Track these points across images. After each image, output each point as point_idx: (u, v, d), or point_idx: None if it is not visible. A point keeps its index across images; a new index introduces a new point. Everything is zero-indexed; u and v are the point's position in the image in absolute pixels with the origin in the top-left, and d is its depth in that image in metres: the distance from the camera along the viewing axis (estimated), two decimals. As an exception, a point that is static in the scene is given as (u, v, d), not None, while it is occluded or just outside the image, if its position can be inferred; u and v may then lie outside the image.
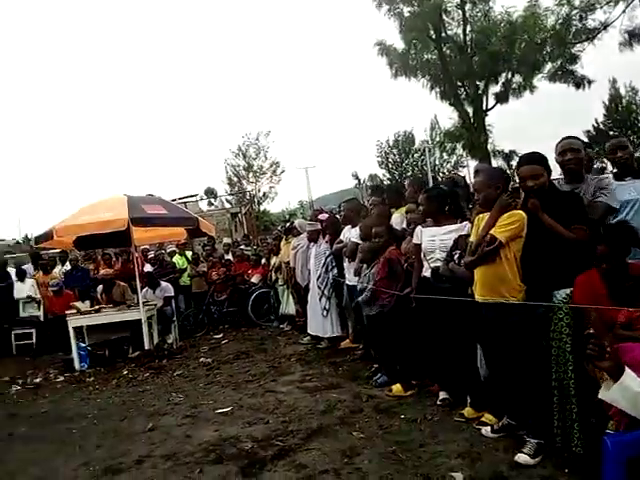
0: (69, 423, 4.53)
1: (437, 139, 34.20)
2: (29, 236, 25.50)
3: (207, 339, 8.14)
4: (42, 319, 8.77)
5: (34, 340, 8.37)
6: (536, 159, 2.99)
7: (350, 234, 5.38)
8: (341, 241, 5.64)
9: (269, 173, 37.87)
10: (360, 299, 4.58)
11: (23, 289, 9.09)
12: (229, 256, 10.21)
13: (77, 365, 6.69)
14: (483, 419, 3.40)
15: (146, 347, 6.89)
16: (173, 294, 8.24)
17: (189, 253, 10.19)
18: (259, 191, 37.47)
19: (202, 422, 4.16)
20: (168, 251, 10.23)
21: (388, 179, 35.32)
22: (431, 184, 7.09)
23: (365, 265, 4.64)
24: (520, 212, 2.94)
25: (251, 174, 37.56)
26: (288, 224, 8.65)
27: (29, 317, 8.90)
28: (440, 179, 20.71)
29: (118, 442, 3.91)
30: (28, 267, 9.88)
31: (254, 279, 9.04)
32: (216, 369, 5.99)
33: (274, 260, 8.35)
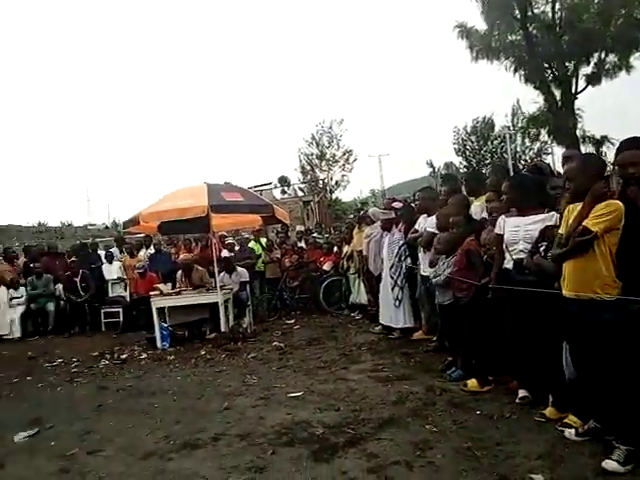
0: (151, 398, 4.78)
1: (519, 125, 32.45)
2: (117, 221, 27.23)
3: (279, 324, 8.30)
4: (128, 299, 9.37)
5: (121, 318, 8.94)
6: (638, 144, 2.74)
7: (426, 223, 5.23)
8: (416, 230, 5.50)
9: (342, 161, 37.95)
10: (434, 281, 4.44)
11: (112, 270, 9.76)
12: (302, 243, 10.35)
13: (159, 344, 7.05)
14: (566, 420, 3.21)
15: (222, 329, 7.14)
16: (248, 279, 8.46)
17: (264, 240, 10.43)
18: (331, 179, 37.61)
19: (275, 405, 4.25)
20: (236, 238, 10.54)
21: (465, 167, 34.18)
22: (513, 172, 6.71)
23: (441, 256, 4.51)
24: (617, 202, 2.71)
25: (324, 162, 37.79)
26: (362, 212, 8.59)
27: (117, 297, 9.54)
28: (521, 167, 19.69)
29: (195, 419, 4.07)
30: (115, 250, 10.59)
31: (326, 267, 9.10)
32: (288, 354, 6.09)
33: (346, 248, 8.35)
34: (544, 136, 29.61)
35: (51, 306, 8.96)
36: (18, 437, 4.03)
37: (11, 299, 8.84)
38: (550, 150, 30.43)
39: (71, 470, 3.31)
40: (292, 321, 8.41)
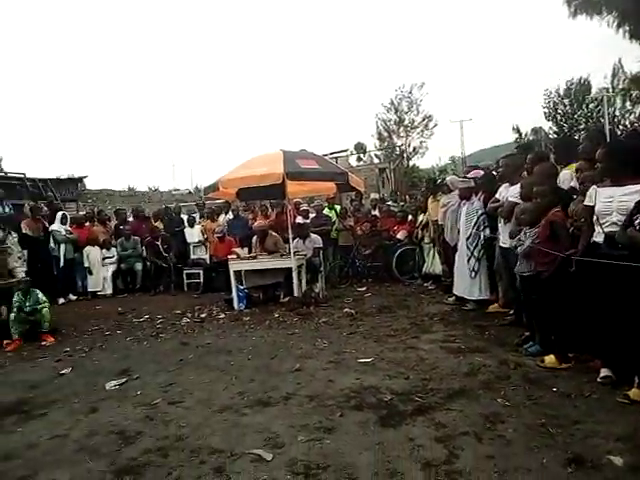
0: (228, 356, 5.02)
1: (620, 86, 29.62)
2: (199, 187, 28.33)
3: (351, 291, 8.36)
4: (208, 261, 9.82)
5: (201, 280, 9.40)
6: None
7: (507, 192, 4.97)
8: (497, 200, 5.24)
9: (420, 127, 36.77)
10: (516, 252, 4.24)
11: (193, 234, 10.22)
12: (376, 212, 10.24)
13: (236, 305, 7.36)
14: (653, 404, 3.00)
15: (295, 294, 7.31)
16: (322, 245, 8.54)
17: (338, 207, 10.44)
18: (409, 146, 36.64)
19: (344, 369, 4.31)
20: (315, 204, 10.60)
21: (555, 132, 31.89)
22: (609, 138, 6.17)
23: (524, 227, 4.27)
24: None
25: (402, 128, 36.82)
26: (439, 181, 8.31)
27: (197, 259, 10.02)
28: (620, 133, 18.10)
29: (268, 378, 4.24)
30: (196, 215, 11.07)
31: (400, 235, 8.97)
32: (359, 320, 6.13)
33: (421, 217, 8.17)
34: (649, 98, 26.95)
35: (139, 266, 9.60)
36: (109, 385, 4.41)
37: (104, 259, 9.55)
38: (653, 114, 27.74)
39: (155, 418, 3.58)
40: (363, 288, 8.43)
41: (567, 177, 4.31)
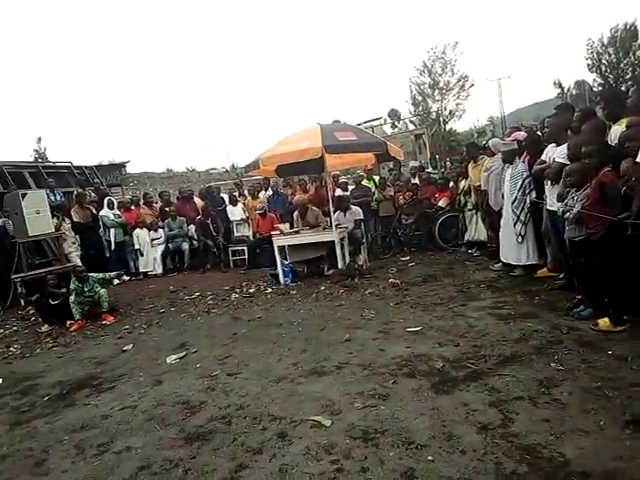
0: (279, 328, 5.18)
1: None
2: (235, 165, 28.59)
3: (394, 261, 8.36)
4: (251, 238, 10.00)
5: (246, 256, 9.60)
6: None
7: (554, 153, 4.82)
8: (543, 161, 5.09)
9: (456, 89, 35.76)
10: (565, 216, 4.16)
11: (235, 212, 10.40)
12: (415, 180, 10.11)
13: (282, 279, 7.51)
14: None
15: (339, 266, 7.39)
16: (362, 217, 8.55)
17: (376, 177, 10.37)
18: (445, 109, 35.71)
19: (394, 338, 4.39)
20: (354, 176, 10.56)
21: (600, 84, 30.34)
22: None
23: (572, 189, 4.16)
24: None
25: (437, 91, 35.86)
26: (484, 143, 8.08)
27: (241, 236, 10.22)
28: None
29: (320, 348, 4.36)
30: (236, 193, 11.22)
31: (441, 203, 8.85)
32: (404, 290, 6.16)
33: (463, 183, 8.03)
34: None
35: (185, 245, 9.88)
36: (169, 359, 4.66)
37: (152, 240, 9.88)
38: None
39: (216, 388, 3.77)
40: (407, 258, 8.43)
41: (617, 134, 4.12)
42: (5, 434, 3.52)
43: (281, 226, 8.31)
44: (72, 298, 6.62)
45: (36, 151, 29.35)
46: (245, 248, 9.65)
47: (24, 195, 7.71)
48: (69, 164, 12.03)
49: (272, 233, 8.08)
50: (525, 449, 2.48)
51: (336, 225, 7.56)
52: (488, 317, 4.63)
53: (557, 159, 4.65)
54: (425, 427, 2.80)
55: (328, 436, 2.83)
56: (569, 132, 4.73)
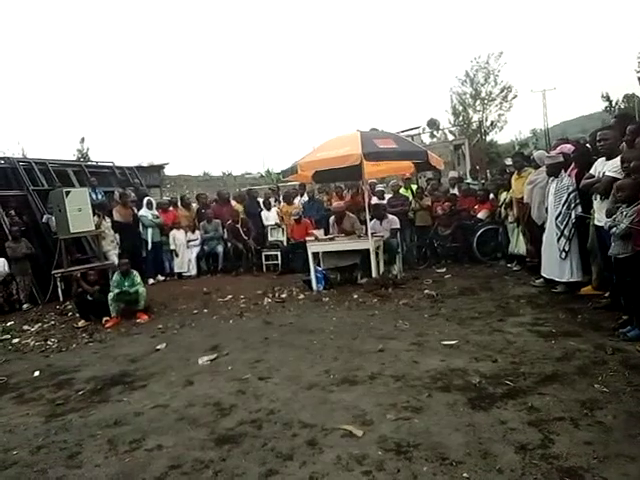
0: (310, 335, 5.14)
1: None
2: (270, 170, 28.78)
3: (430, 272, 8.21)
4: (285, 243, 10.02)
5: (279, 261, 9.62)
6: None
7: (604, 167, 4.63)
8: (592, 176, 4.90)
9: (499, 99, 35.16)
10: (612, 232, 3.99)
11: (269, 217, 10.46)
12: (455, 190, 9.94)
13: (315, 286, 7.48)
14: None
15: (373, 275, 7.31)
16: (399, 226, 8.45)
17: (414, 187, 10.25)
18: (486, 120, 35.17)
19: (428, 351, 4.28)
20: (391, 184, 10.45)
21: (651, 99, 29.31)
22: None
23: (622, 205, 4.00)
24: None
25: (478, 102, 35.37)
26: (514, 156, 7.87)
27: (275, 241, 10.25)
28: None
29: (352, 357, 4.30)
30: (272, 199, 11.27)
31: (481, 215, 8.67)
32: (440, 302, 6.04)
33: (504, 195, 7.84)
34: None
35: (220, 248, 9.96)
36: (201, 360, 4.68)
37: (188, 241, 10.02)
38: None
39: (246, 392, 3.76)
40: (443, 270, 8.26)
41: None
42: (41, 425, 3.59)
43: (316, 232, 8.30)
44: (110, 295, 6.76)
45: (79, 151, 30.27)
46: (278, 253, 9.68)
47: (68, 192, 7.93)
48: (111, 164, 12.37)
49: (306, 239, 8.07)
50: (566, 471, 2.37)
51: (372, 233, 7.49)
52: (528, 334, 4.47)
53: (608, 172, 4.46)
54: (460, 443, 2.70)
55: (360, 446, 2.77)
56: (622, 145, 4.55)
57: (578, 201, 5.38)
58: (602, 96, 33.65)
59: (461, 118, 35.96)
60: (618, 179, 4.14)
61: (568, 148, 5.90)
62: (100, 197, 10.10)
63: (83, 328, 6.59)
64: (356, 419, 3.10)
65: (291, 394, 3.62)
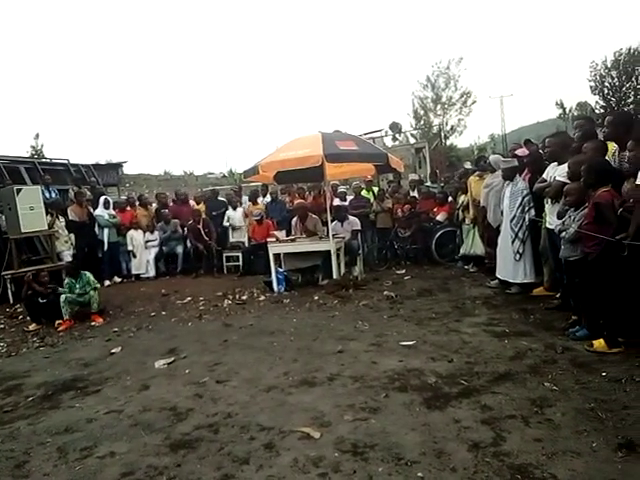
0: (270, 337, 5.11)
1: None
2: (233, 171, 28.56)
3: (390, 274, 8.29)
4: (246, 244, 9.93)
5: (240, 262, 9.53)
6: None
7: (555, 172, 4.82)
8: (544, 180, 5.08)
9: (459, 104, 36.02)
10: (562, 235, 4.15)
11: (235, 217, 10.30)
12: (415, 193, 10.11)
13: (275, 287, 7.44)
14: None
15: (334, 276, 7.34)
16: (360, 228, 8.52)
17: (375, 189, 10.35)
18: (446, 124, 35.95)
19: (387, 351, 4.33)
20: (353, 186, 10.51)
21: (602, 107, 30.60)
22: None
23: (570, 208, 4.16)
24: None
25: (439, 106, 36.11)
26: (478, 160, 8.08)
27: (236, 242, 10.14)
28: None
29: (311, 359, 4.30)
30: (239, 198, 11.09)
31: (439, 217, 8.85)
32: (399, 303, 6.12)
33: (462, 198, 8.02)
34: None
35: (179, 249, 9.80)
36: (158, 363, 4.58)
37: (146, 242, 9.80)
38: None
39: (204, 396, 3.71)
40: (402, 271, 8.37)
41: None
42: (-14, 433, 3.43)
43: (277, 233, 8.27)
44: (63, 297, 6.54)
45: (33, 147, 29.23)
46: (239, 254, 9.59)
47: (19, 190, 7.65)
48: (66, 161, 11.95)
49: (268, 240, 8.03)
50: (516, 469, 2.43)
51: (333, 235, 7.52)
52: (483, 334, 4.59)
53: (558, 178, 4.64)
54: (416, 443, 2.74)
55: (317, 448, 2.77)
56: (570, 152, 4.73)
57: (532, 204, 5.57)
58: (557, 103, 35.02)
59: (422, 122, 36.63)
60: (567, 184, 4.31)
61: (522, 152, 6.09)
62: (54, 195, 9.75)
63: (34, 332, 6.35)
64: (314, 421, 3.10)
65: (249, 397, 3.59)
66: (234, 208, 10.31)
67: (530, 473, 2.39)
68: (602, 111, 28.35)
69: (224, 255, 9.80)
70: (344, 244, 7.82)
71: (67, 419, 3.52)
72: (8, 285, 7.75)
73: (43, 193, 8.56)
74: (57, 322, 6.48)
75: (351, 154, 7.17)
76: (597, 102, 31.89)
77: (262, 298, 7.14)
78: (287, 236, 8.23)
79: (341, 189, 10.49)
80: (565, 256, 4.21)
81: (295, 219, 8.26)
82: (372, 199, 9.84)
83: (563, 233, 4.13)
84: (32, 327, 6.47)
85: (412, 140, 31.75)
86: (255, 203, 10.26)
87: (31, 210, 7.64)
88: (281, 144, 8.00)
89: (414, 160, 22.12)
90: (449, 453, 2.62)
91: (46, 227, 8.06)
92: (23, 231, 7.59)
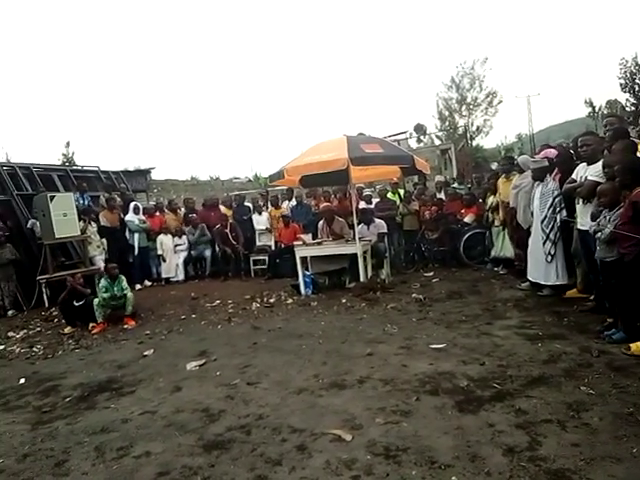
0: (299, 340, 5.13)
1: None
2: (258, 175, 28.77)
3: (417, 276, 8.23)
4: (273, 248, 10.00)
5: (267, 266, 9.59)
6: None
7: (585, 172, 4.71)
8: (574, 180, 4.98)
9: (484, 105, 35.57)
10: (596, 236, 4.06)
11: (260, 221, 10.43)
12: (441, 194, 10.02)
13: (303, 290, 7.47)
14: None
15: (361, 279, 7.33)
16: (386, 231, 8.49)
17: (401, 191, 10.31)
18: (472, 125, 35.53)
19: (416, 354, 4.30)
20: (379, 188, 10.50)
21: (633, 104, 29.75)
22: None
23: (605, 209, 4.07)
24: None
25: (464, 107, 35.73)
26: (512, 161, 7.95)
27: (263, 246, 10.23)
28: None
29: (341, 361, 4.30)
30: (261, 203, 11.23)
31: (467, 219, 8.75)
32: (428, 306, 6.06)
33: (491, 199, 7.92)
34: None
35: (208, 253, 9.93)
36: (190, 365, 4.65)
37: (175, 246, 9.96)
38: None
39: (235, 397, 3.74)
40: (430, 274, 8.30)
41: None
42: (27, 433, 3.54)
43: (304, 236, 8.30)
44: (96, 301, 6.70)
45: (64, 155, 29.96)
46: (266, 257, 9.65)
47: (52, 197, 7.86)
48: (96, 168, 12.26)
49: (294, 243, 8.07)
50: (553, 474, 2.39)
51: (359, 238, 7.51)
52: (515, 337, 4.51)
53: (590, 177, 4.54)
54: (449, 447, 2.72)
55: (349, 451, 2.77)
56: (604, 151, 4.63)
57: (563, 205, 5.45)
58: (585, 102, 34.23)
59: (447, 123, 36.31)
60: (600, 183, 4.21)
61: (552, 153, 5.98)
62: (86, 202, 10.02)
63: (69, 334, 6.52)
64: (345, 423, 3.10)
65: (280, 399, 3.61)
66: (259, 213, 10.40)
67: (568, 478, 2.34)
68: (633, 109, 27.57)
69: (251, 259, 9.88)
70: (371, 247, 7.79)
71: (103, 419, 3.60)
72: (43, 289, 7.97)
73: (76, 200, 8.79)
74: (91, 325, 6.64)
75: (376, 157, 7.15)
76: (627, 100, 31.04)
77: (290, 301, 7.17)
78: (313, 239, 8.24)
79: (366, 192, 10.47)
80: (601, 257, 4.12)
81: (322, 222, 8.28)
82: (398, 201, 9.79)
83: (598, 234, 4.04)
84: (67, 330, 6.65)
85: (437, 142, 31.52)
86: (278, 208, 10.33)
87: (64, 216, 7.85)
88: (306, 148, 8.04)
89: (439, 162, 21.96)
90: (483, 457, 2.58)
91: (79, 232, 8.27)
92: (57, 237, 7.80)
